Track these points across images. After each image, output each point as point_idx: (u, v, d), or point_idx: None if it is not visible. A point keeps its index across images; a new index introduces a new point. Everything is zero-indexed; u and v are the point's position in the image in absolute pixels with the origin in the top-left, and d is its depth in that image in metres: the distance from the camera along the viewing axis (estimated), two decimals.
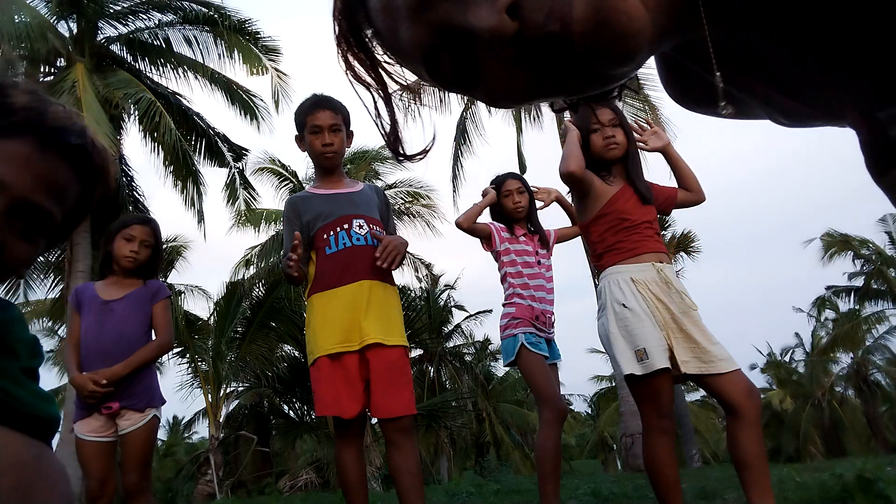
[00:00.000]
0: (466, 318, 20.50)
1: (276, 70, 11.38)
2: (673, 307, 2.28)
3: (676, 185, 2.65)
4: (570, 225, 3.47)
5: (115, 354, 2.68)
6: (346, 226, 2.43)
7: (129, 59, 11.64)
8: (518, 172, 3.37)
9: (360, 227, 2.44)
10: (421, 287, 17.64)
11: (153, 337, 2.84)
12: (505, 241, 3.17)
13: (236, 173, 12.07)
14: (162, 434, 26.16)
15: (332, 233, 2.41)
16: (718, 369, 2.22)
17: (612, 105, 2.56)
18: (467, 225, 3.10)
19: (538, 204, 3.31)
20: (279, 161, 16.02)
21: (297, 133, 2.61)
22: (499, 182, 3.26)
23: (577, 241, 10.31)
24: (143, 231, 2.84)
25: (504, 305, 3.13)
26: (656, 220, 2.52)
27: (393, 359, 2.36)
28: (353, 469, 2.37)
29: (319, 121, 2.50)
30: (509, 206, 3.20)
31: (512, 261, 3.13)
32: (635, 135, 2.57)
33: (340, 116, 2.54)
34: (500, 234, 3.17)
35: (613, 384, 24.54)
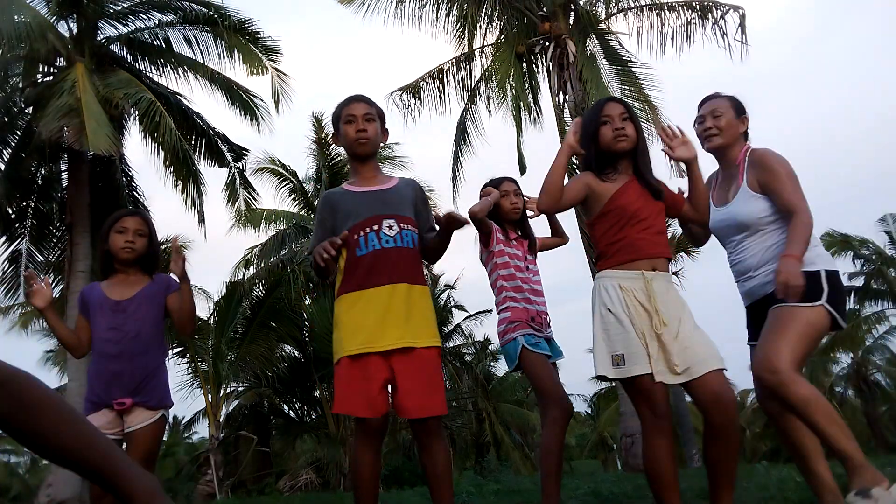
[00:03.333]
0: (466, 318, 20.45)
1: (276, 70, 11.36)
2: (653, 318, 2.30)
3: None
4: (550, 236, 3.50)
5: (132, 354, 2.70)
6: (375, 227, 2.42)
7: (129, 59, 11.63)
8: (512, 177, 3.37)
9: (390, 227, 2.43)
10: None
11: (164, 335, 2.88)
12: (500, 243, 3.18)
13: (236, 173, 12.05)
14: None
15: (361, 233, 2.42)
16: (691, 375, 2.24)
17: (622, 100, 2.58)
18: (482, 215, 3.06)
19: (528, 213, 3.32)
20: (279, 161, 16.02)
21: (333, 133, 2.65)
22: (495, 184, 3.26)
23: (578, 241, 10.31)
24: (134, 221, 2.86)
25: (499, 312, 3.13)
26: (663, 216, 2.51)
27: (425, 359, 2.38)
28: (369, 470, 2.36)
29: (353, 110, 2.55)
30: (506, 207, 3.19)
31: (505, 262, 3.13)
32: (665, 139, 2.52)
33: (374, 109, 2.59)
34: (496, 234, 3.18)
35: (613, 384, 24.51)
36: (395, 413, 2.43)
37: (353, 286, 2.41)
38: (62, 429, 0.97)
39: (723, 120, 2.66)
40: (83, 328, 2.81)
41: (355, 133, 2.52)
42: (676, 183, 2.73)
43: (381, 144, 2.66)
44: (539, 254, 3.38)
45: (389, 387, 2.38)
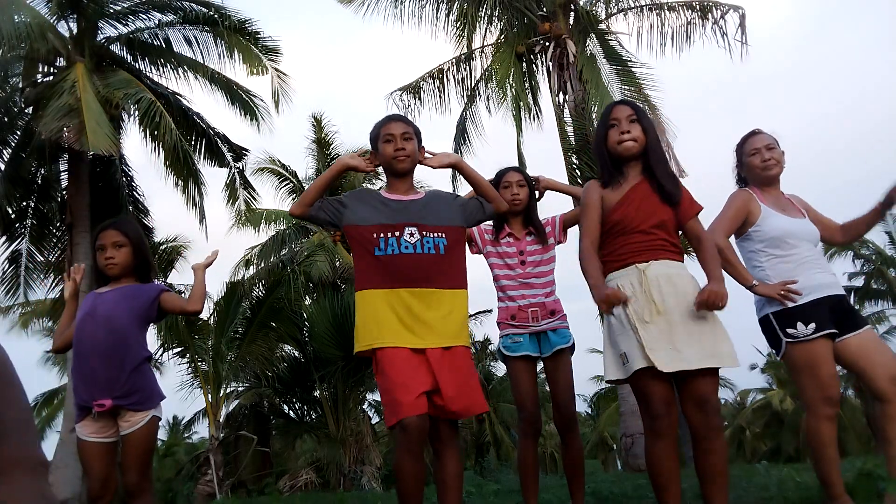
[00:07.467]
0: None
1: (276, 70, 11.37)
2: (653, 305, 2.29)
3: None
4: (574, 207, 3.50)
5: (104, 342, 2.68)
6: (397, 233, 2.50)
7: (129, 59, 11.62)
8: (520, 166, 3.41)
9: (411, 235, 2.51)
10: None
11: (146, 337, 2.85)
12: (488, 244, 3.22)
13: (236, 173, 12.05)
14: (162, 434, 26.12)
15: (381, 235, 2.49)
16: (689, 364, 2.23)
17: (631, 102, 2.59)
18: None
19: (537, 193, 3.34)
20: (279, 161, 16.02)
21: (371, 150, 2.71)
22: (499, 174, 3.26)
23: (576, 242, 10.31)
24: (108, 235, 2.81)
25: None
26: (672, 221, 2.46)
27: (459, 357, 2.47)
28: (415, 476, 2.33)
29: (392, 130, 2.62)
30: (506, 198, 3.18)
31: (493, 263, 3.22)
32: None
33: (411, 128, 2.66)
34: (483, 237, 3.22)
35: (613, 384, 24.43)
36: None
37: (369, 284, 2.49)
38: None
39: (776, 152, 2.95)
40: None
41: (394, 151, 2.60)
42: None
43: (419, 160, 2.73)
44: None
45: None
